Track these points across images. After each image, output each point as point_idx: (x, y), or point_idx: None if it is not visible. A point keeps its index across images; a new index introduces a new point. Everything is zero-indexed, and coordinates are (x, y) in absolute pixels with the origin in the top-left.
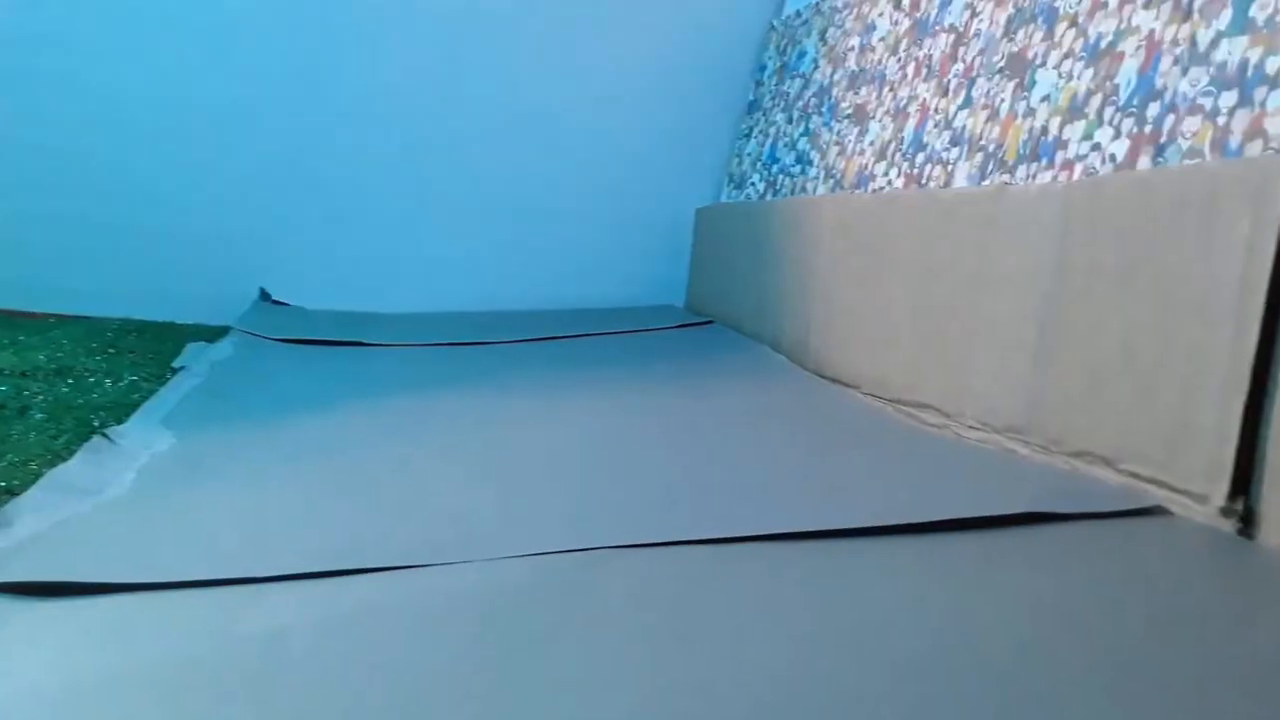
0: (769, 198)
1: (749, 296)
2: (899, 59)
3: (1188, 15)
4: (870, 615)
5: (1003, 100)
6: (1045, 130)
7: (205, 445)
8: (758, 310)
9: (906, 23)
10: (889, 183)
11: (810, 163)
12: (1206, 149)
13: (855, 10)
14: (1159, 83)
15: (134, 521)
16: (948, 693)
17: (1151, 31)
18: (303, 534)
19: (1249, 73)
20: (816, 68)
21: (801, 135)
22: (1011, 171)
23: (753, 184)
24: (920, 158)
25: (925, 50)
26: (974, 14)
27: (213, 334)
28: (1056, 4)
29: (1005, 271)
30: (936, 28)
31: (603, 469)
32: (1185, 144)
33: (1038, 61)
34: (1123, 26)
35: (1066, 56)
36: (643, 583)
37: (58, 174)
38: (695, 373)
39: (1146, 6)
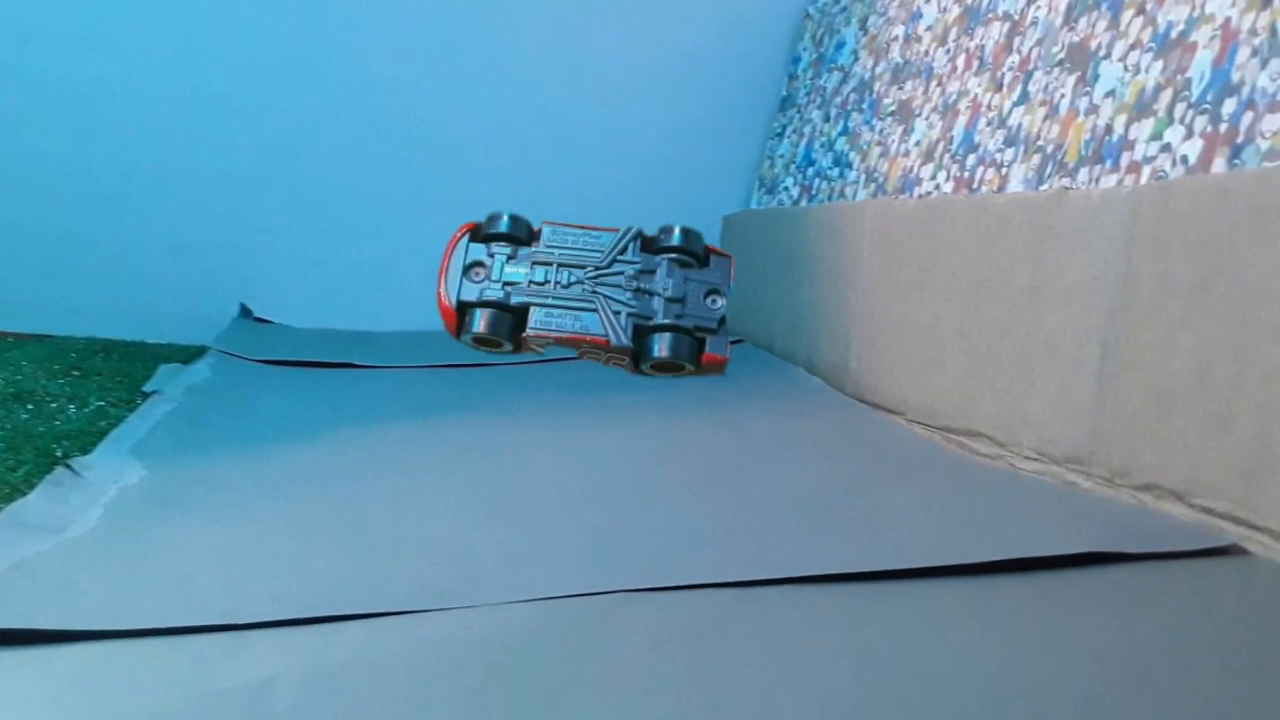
0: (804, 204)
1: (781, 313)
2: (948, 50)
3: (1267, 2)
4: (916, 666)
5: (1063, 96)
6: (1110, 129)
7: (180, 478)
8: (791, 328)
9: (956, 10)
10: (936, 187)
11: (849, 165)
12: None
13: None
14: (1236, 76)
15: (101, 562)
16: None
17: (1227, 20)
18: (288, 576)
19: None
20: (856, 60)
21: (840, 134)
22: (1072, 175)
23: (786, 188)
24: (971, 159)
25: (977, 40)
26: (1031, 0)
27: (188, 354)
28: None
29: (1065, 285)
30: (989, 15)
31: (619, 503)
32: (1265, 144)
33: (1101, 53)
34: (1195, 14)
35: (1133, 47)
36: (664, 630)
37: (14, 177)
38: (721, 397)
39: None
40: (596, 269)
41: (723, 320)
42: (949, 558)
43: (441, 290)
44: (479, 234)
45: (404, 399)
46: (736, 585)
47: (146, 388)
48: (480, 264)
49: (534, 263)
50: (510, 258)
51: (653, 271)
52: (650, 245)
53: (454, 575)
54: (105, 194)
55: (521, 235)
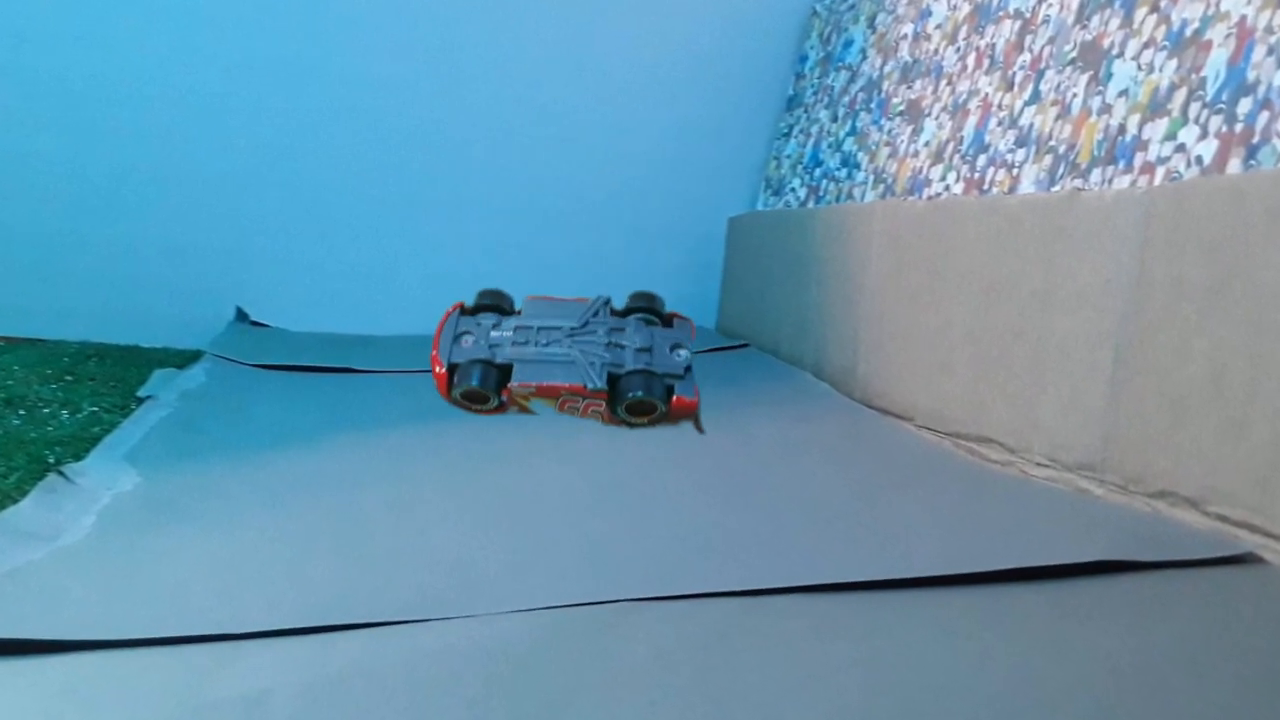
0: (811, 205)
1: (788, 316)
2: (958, 49)
3: None
4: (926, 677)
5: (1075, 95)
6: (1123, 129)
7: (175, 484)
8: (798, 332)
9: (966, 8)
10: (946, 188)
11: (857, 165)
12: None
13: None
14: (1251, 75)
15: (94, 571)
16: None
17: (1243, 18)
18: (285, 585)
19: None
20: (865, 58)
21: (848, 135)
22: (1085, 175)
23: (792, 190)
24: (982, 160)
25: (987, 39)
26: None
27: (183, 359)
28: None
29: (1077, 288)
30: (1000, 13)
31: (622, 511)
32: None
33: (1114, 51)
34: (1210, 12)
35: (1147, 46)
36: (668, 640)
37: (7, 178)
38: (727, 402)
39: None
40: (572, 329)
41: (689, 369)
42: (959, 566)
43: (435, 355)
44: (466, 310)
45: (403, 404)
46: (742, 594)
47: (141, 393)
48: (468, 332)
49: (517, 327)
50: (495, 325)
51: (623, 329)
52: (620, 314)
53: (454, 584)
54: (99, 195)
55: (506, 307)
